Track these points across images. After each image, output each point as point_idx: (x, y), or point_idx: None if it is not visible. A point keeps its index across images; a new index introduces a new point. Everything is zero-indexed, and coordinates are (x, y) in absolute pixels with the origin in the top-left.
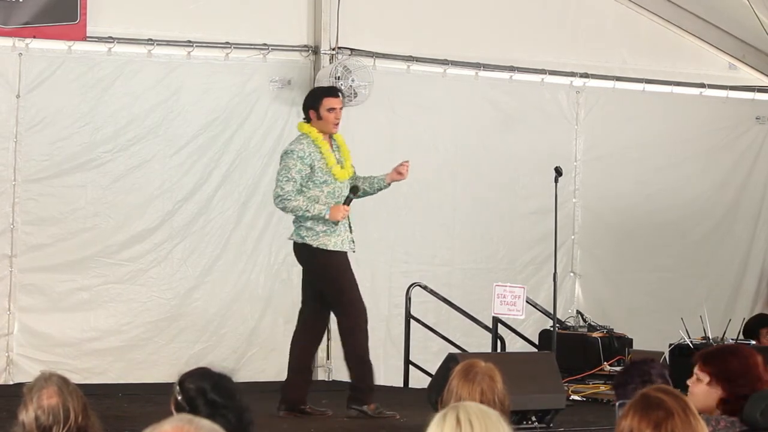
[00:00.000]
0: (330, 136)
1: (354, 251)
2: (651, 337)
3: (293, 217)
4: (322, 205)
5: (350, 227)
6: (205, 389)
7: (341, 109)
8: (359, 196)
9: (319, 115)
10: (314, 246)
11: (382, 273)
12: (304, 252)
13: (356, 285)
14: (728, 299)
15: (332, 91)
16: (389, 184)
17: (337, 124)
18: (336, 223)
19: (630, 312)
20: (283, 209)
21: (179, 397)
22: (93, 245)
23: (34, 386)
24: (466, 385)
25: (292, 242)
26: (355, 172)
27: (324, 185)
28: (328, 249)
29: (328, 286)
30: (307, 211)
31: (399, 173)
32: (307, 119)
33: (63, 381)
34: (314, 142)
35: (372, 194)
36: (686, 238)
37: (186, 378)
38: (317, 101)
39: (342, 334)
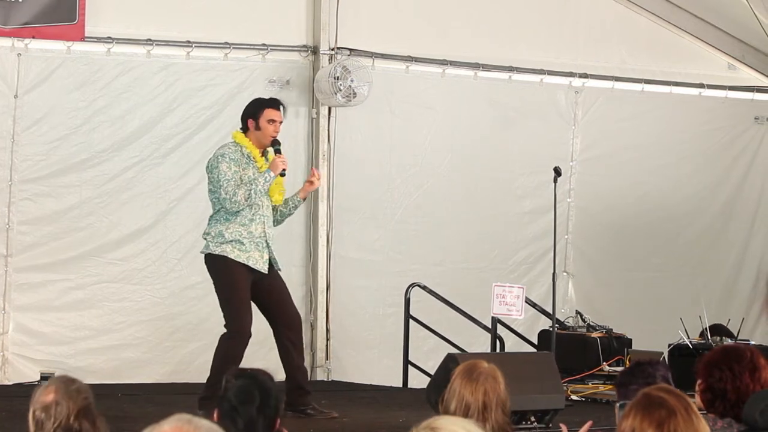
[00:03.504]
0: (264, 154)
1: (265, 272)
2: (646, 336)
3: (271, 220)
4: (259, 179)
5: (267, 245)
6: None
7: (281, 123)
8: (284, 217)
9: (257, 125)
10: (215, 253)
11: (377, 272)
12: (207, 261)
13: (248, 303)
14: (724, 299)
15: (275, 103)
16: (304, 199)
17: (275, 137)
18: (248, 239)
19: (624, 312)
20: (238, 205)
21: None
22: (88, 244)
23: (40, 387)
24: (469, 385)
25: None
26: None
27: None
28: (228, 257)
29: (218, 292)
30: (257, 192)
31: (310, 182)
32: (244, 128)
33: (66, 381)
34: (245, 150)
35: (290, 215)
36: (682, 238)
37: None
38: (258, 110)
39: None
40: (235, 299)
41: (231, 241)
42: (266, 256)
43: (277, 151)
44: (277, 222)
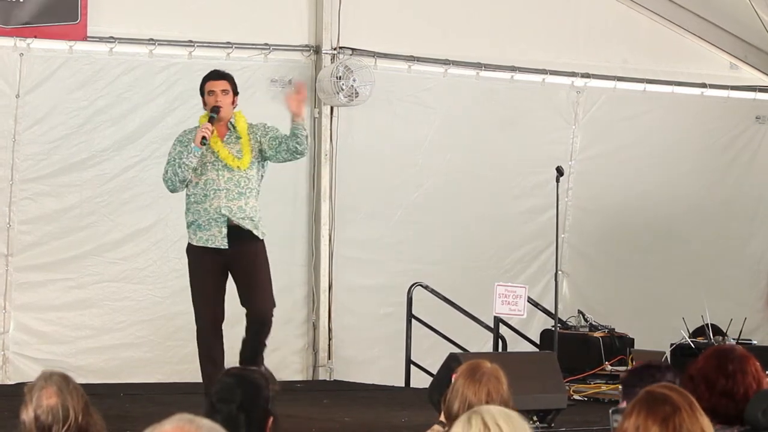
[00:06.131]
0: (230, 126)
1: (225, 247)
2: (645, 335)
3: (232, 192)
4: (184, 154)
5: (228, 219)
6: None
7: (225, 91)
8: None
9: (204, 101)
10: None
11: (379, 271)
12: None
13: (205, 291)
14: (724, 299)
15: (212, 74)
16: (297, 116)
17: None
18: (205, 217)
19: (623, 311)
20: (172, 190)
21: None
22: (88, 243)
23: (35, 386)
24: (473, 385)
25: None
26: (274, 139)
27: (194, 172)
28: (191, 244)
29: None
30: (182, 165)
31: (292, 98)
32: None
33: (63, 380)
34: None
35: (300, 141)
36: (682, 237)
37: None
38: (201, 88)
39: None
40: (194, 292)
41: (191, 223)
42: (225, 230)
43: (211, 119)
44: (293, 153)
